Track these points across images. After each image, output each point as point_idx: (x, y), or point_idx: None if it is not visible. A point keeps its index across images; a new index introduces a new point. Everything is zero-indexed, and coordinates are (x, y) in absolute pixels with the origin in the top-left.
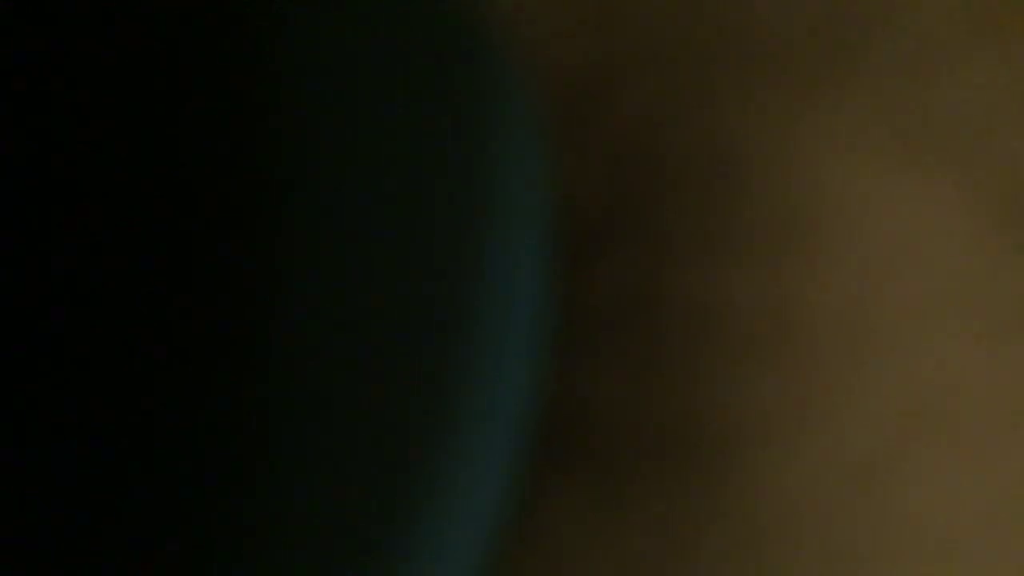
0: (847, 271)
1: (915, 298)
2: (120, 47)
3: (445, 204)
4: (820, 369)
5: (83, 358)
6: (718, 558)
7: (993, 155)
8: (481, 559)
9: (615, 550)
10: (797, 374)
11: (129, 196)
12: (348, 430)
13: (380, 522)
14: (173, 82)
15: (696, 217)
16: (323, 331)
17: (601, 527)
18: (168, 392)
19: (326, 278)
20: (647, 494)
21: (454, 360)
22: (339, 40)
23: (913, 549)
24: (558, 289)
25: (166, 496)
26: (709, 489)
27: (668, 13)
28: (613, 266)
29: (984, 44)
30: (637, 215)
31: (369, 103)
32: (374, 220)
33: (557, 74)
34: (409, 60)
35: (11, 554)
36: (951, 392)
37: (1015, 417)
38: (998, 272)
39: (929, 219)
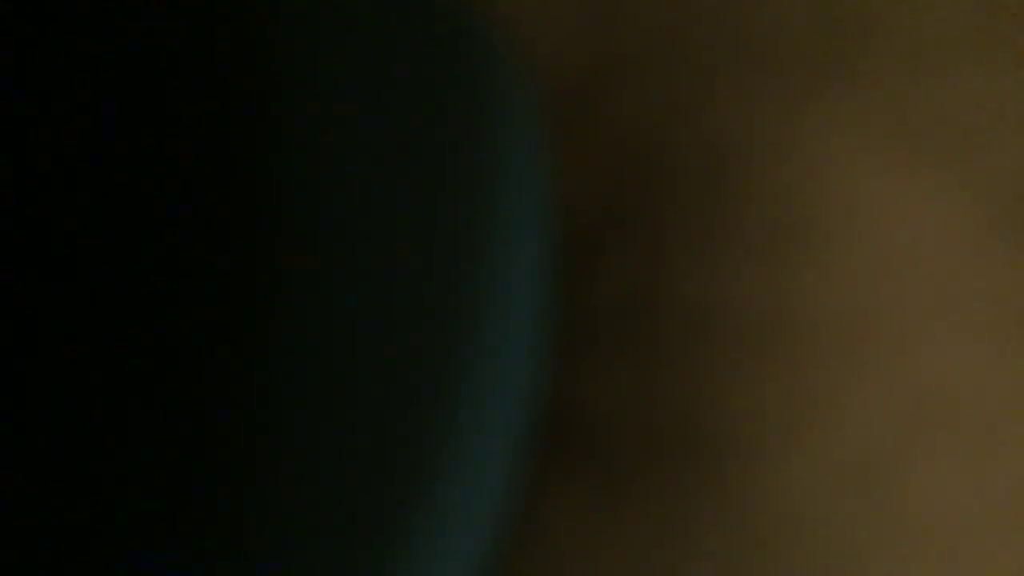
0: (847, 271)
1: (915, 298)
2: (119, 47)
3: (444, 205)
4: (820, 369)
5: (83, 357)
6: (718, 558)
7: (993, 156)
8: (481, 559)
9: (615, 550)
10: (797, 374)
11: (129, 195)
12: (348, 430)
13: (380, 522)
14: (173, 82)
15: (696, 217)
16: (323, 332)
17: (601, 527)
18: (166, 391)
19: (326, 279)
20: (647, 494)
21: (454, 361)
22: (338, 41)
23: (912, 549)
24: (558, 289)
25: (165, 495)
26: (709, 489)
27: (668, 14)
28: (613, 266)
29: (984, 44)
30: (637, 215)
31: (368, 103)
32: (373, 221)
33: (557, 74)
34: (409, 60)
35: (12, 554)
36: (951, 392)
37: (1015, 417)
38: (998, 272)
39: (929, 219)
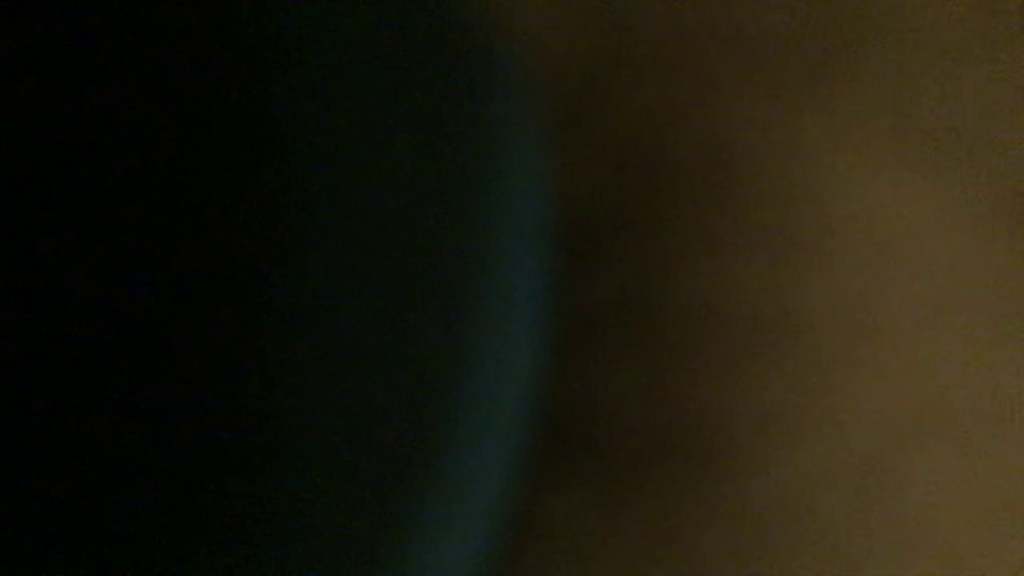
0: (847, 271)
1: (915, 298)
2: (123, 50)
3: (445, 204)
4: (821, 369)
5: (82, 357)
6: (718, 557)
7: (993, 155)
8: (481, 558)
9: (615, 550)
10: (797, 374)
11: (130, 195)
12: (348, 430)
13: (380, 522)
14: (176, 83)
15: (696, 217)
16: (323, 332)
17: (600, 526)
18: (167, 394)
19: (326, 279)
20: (648, 493)
21: (455, 361)
22: (339, 41)
23: (912, 548)
24: (559, 289)
25: (165, 498)
26: (708, 488)
27: (668, 14)
28: (613, 266)
29: (984, 44)
30: (637, 215)
31: (369, 103)
32: (374, 221)
33: (558, 74)
34: (409, 60)
35: (12, 556)
36: (951, 392)
37: (1014, 417)
38: (998, 272)
39: (929, 219)
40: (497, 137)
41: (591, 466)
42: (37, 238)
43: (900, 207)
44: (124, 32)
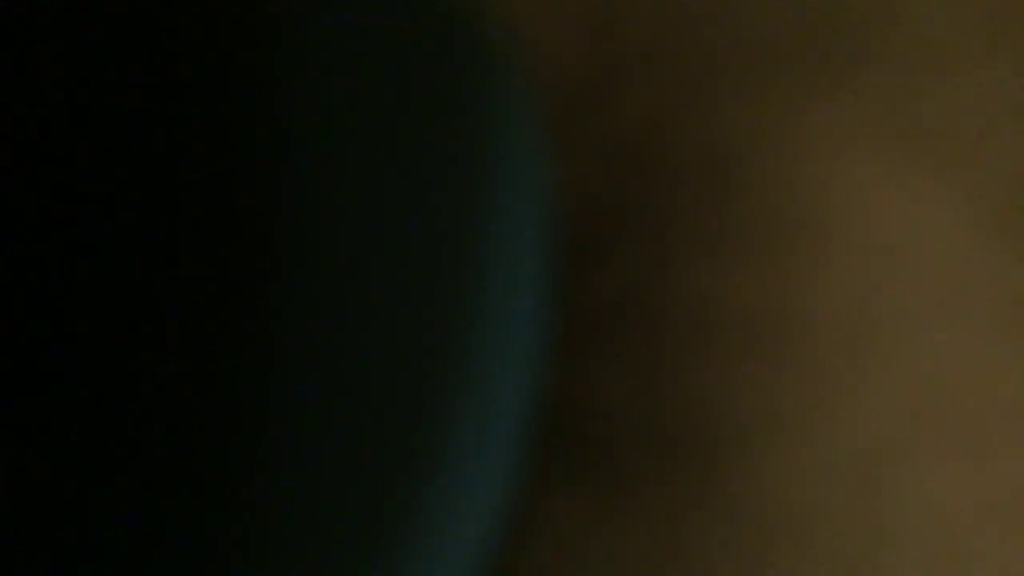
0: (848, 271)
1: (915, 298)
2: (121, 49)
3: (446, 205)
4: (821, 369)
5: (81, 358)
6: (719, 558)
7: (993, 156)
8: (481, 559)
9: (615, 549)
10: (798, 374)
11: (129, 198)
12: (348, 430)
13: (380, 522)
14: (174, 83)
15: (697, 217)
16: (323, 332)
17: (601, 526)
18: (165, 393)
19: (326, 280)
20: (648, 494)
21: (455, 361)
22: (339, 42)
23: (914, 547)
24: (560, 289)
25: (162, 496)
26: (710, 489)
27: (669, 14)
28: (614, 266)
29: (984, 45)
30: (638, 215)
31: (368, 104)
32: (374, 222)
33: (557, 74)
34: (410, 61)
35: (11, 556)
36: (951, 391)
37: (1015, 416)
38: (998, 272)
39: (929, 219)
40: (497, 138)
41: (592, 466)
42: (32, 237)
43: (901, 207)
44: (122, 30)
